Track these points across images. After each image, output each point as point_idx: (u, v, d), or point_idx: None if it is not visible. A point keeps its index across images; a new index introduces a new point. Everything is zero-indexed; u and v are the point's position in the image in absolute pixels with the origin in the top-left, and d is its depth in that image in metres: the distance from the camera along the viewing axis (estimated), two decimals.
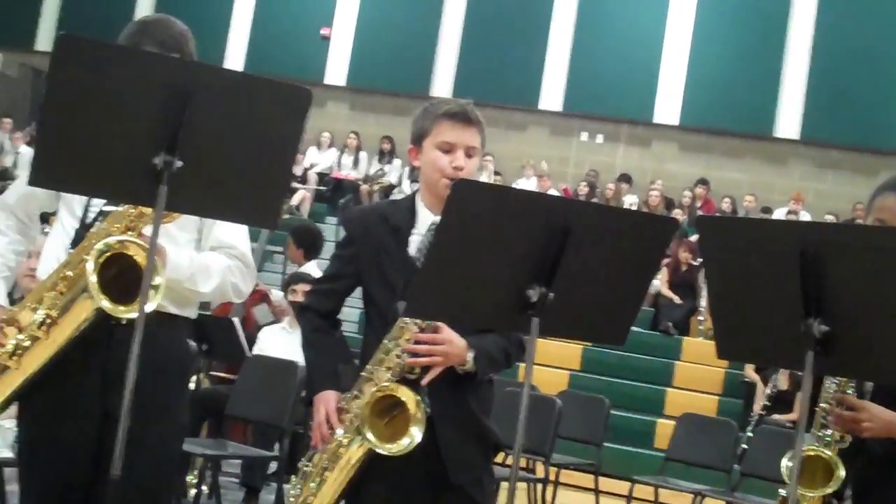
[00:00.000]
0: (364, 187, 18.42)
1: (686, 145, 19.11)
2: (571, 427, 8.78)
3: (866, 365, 2.87)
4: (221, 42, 20.35)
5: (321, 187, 18.81)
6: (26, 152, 18.23)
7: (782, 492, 3.15)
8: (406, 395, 3.46)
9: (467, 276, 3.07)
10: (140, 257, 3.28)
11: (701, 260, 14.31)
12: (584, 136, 19.53)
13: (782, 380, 11.17)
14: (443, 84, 19.58)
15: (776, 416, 11.01)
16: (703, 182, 17.97)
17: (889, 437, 3.17)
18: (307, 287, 8.11)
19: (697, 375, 13.41)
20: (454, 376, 3.55)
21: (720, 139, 18.87)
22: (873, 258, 2.72)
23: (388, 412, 3.52)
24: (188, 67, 3.12)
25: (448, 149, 3.64)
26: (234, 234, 3.67)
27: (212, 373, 9.04)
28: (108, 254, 3.28)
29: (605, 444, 9.40)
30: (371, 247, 3.70)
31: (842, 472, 3.16)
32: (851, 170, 18.00)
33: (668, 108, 18.96)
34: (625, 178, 18.40)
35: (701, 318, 14.39)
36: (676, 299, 14.54)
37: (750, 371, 12.83)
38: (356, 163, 19.13)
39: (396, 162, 18.89)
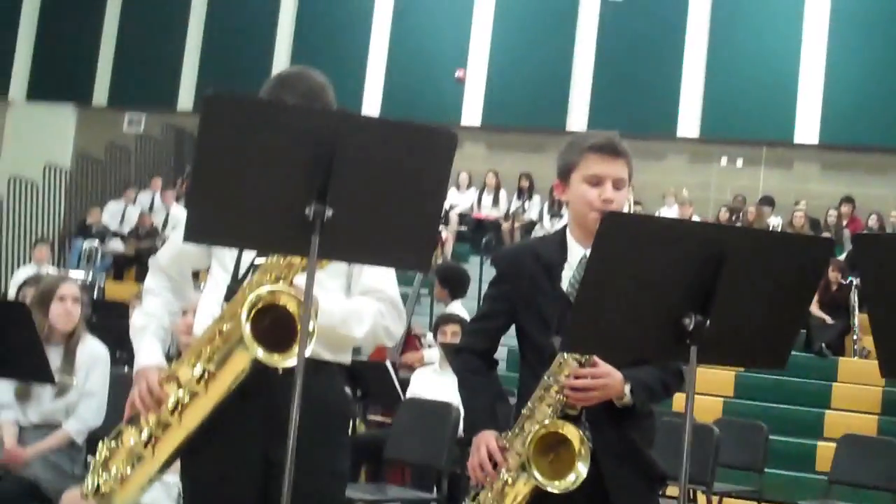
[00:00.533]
0: (505, 225, 18.46)
1: (828, 164, 18.76)
2: (730, 454, 8.65)
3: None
4: (358, 89, 20.61)
5: (462, 227, 18.90)
6: (177, 211, 18.68)
7: None
8: (570, 431, 3.46)
9: (621, 308, 3.06)
10: (292, 306, 3.33)
11: (851, 279, 14.08)
12: (724, 160, 19.30)
13: None
14: (578, 118, 19.55)
15: None
16: (848, 200, 17.61)
17: None
18: (456, 328, 8.19)
19: (855, 395, 13.10)
20: (614, 409, 3.53)
21: (862, 155, 18.45)
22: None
23: (552, 449, 3.52)
24: (333, 117, 3.15)
25: (596, 182, 3.64)
26: (383, 279, 3.70)
27: (369, 417, 9.12)
28: (259, 305, 3.34)
29: (767, 470, 9.23)
30: (524, 284, 3.71)
31: None
32: None
33: (807, 127, 18.62)
34: (767, 200, 18.10)
35: (855, 337, 14.11)
36: (829, 319, 14.26)
37: None
38: (496, 201, 19.18)
39: (536, 198, 18.91)
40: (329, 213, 2.95)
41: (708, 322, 3.02)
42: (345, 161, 2.95)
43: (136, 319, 3.78)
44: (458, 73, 20.46)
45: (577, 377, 3.47)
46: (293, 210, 2.95)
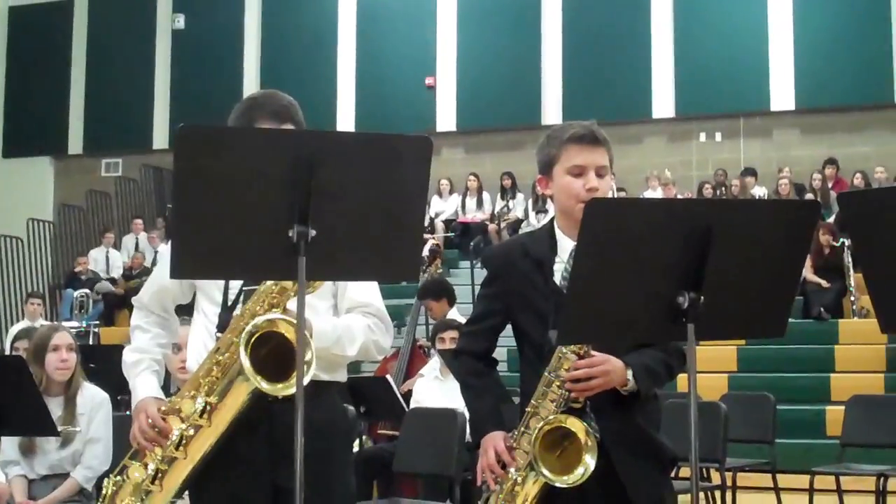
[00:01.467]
0: (492, 226, 18.44)
1: (807, 128, 18.80)
2: (740, 429, 8.62)
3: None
4: (331, 106, 20.63)
5: (449, 234, 18.87)
6: (165, 250, 18.58)
7: None
8: (574, 424, 3.45)
9: (613, 294, 3.05)
10: (290, 333, 3.31)
11: (843, 240, 14.10)
12: (703, 136, 19.32)
13: None
14: (553, 111, 19.54)
15: None
16: (831, 162, 17.66)
17: None
18: (454, 333, 8.16)
19: (859, 356, 13.11)
20: (618, 397, 3.52)
21: (841, 115, 18.50)
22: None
23: (559, 444, 3.50)
24: (306, 137, 3.15)
25: (579, 172, 3.63)
26: (368, 293, 3.69)
27: (380, 431, 9.08)
28: (257, 334, 3.33)
29: (778, 441, 9.21)
30: (516, 281, 3.70)
31: None
32: None
33: (782, 93, 18.64)
34: (750, 171, 18.13)
35: (853, 298, 14.12)
36: (824, 283, 14.28)
37: None
38: (479, 204, 19.17)
39: (519, 196, 18.91)
40: (312, 233, 2.93)
41: (702, 298, 3.01)
42: (323, 179, 2.92)
43: (128, 356, 3.78)
44: (428, 81, 20.47)
45: (575, 369, 3.46)
46: (277, 234, 2.93)
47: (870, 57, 18.05)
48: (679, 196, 16.69)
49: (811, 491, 8.49)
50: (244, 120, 3.62)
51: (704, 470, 8.52)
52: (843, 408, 9.17)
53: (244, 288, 3.56)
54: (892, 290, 2.97)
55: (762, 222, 3.10)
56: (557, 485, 3.44)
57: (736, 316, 3.16)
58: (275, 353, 3.35)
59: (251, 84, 21.10)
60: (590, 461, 3.41)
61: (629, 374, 3.50)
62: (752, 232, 3.05)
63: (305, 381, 3.09)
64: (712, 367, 12.73)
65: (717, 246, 2.99)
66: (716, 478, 8.31)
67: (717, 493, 8.26)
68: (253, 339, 3.32)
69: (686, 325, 3.03)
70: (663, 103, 19.25)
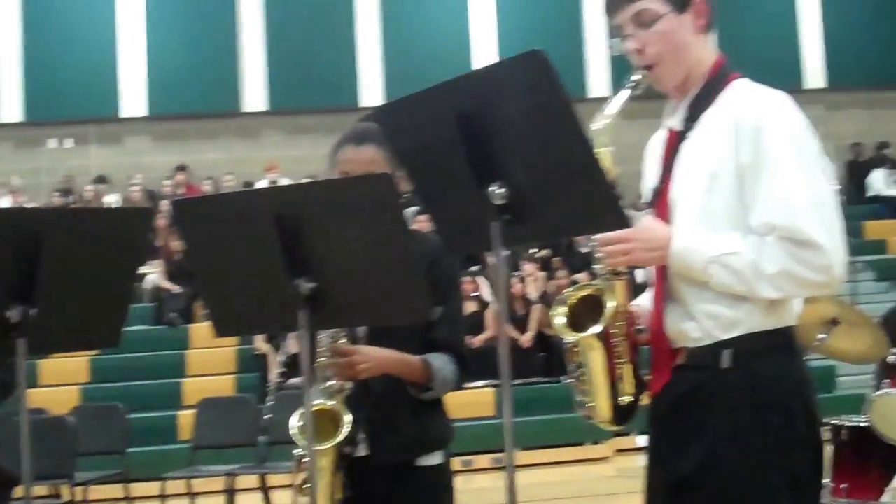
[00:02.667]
0: None
1: (159, 135, 18.96)
2: (92, 441, 8.51)
3: (352, 312, 2.95)
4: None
5: None
6: None
7: (297, 451, 3.17)
8: None
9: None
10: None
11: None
12: (53, 142, 18.88)
13: (292, 344, 11.31)
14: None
15: (293, 381, 11.12)
16: (181, 168, 17.90)
17: (385, 372, 3.27)
18: None
19: (210, 359, 13.41)
20: None
21: (192, 122, 18.86)
22: (339, 210, 2.78)
23: None
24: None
25: None
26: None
27: None
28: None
29: (131, 450, 9.19)
30: None
31: (348, 417, 3.22)
32: (323, 132, 18.37)
33: (133, 100, 18.69)
34: (101, 178, 17.99)
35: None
36: (176, 289, 14.44)
37: (260, 342, 12.96)
38: None
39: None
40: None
41: (36, 311, 2.89)
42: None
43: None
44: None
45: None
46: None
47: (218, 66, 18.69)
48: (28, 205, 16.21)
49: (163, 497, 8.54)
50: None
51: (54, 487, 8.32)
52: (194, 412, 9.31)
53: None
54: (221, 295, 3.01)
55: (92, 230, 3.02)
56: None
57: (69, 328, 3.05)
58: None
59: None
60: None
61: None
62: (83, 240, 2.97)
63: None
64: (63, 380, 12.48)
65: (48, 255, 2.88)
66: (66, 493, 8.12)
67: None
68: None
69: (17, 340, 2.89)
70: (10, 108, 18.62)
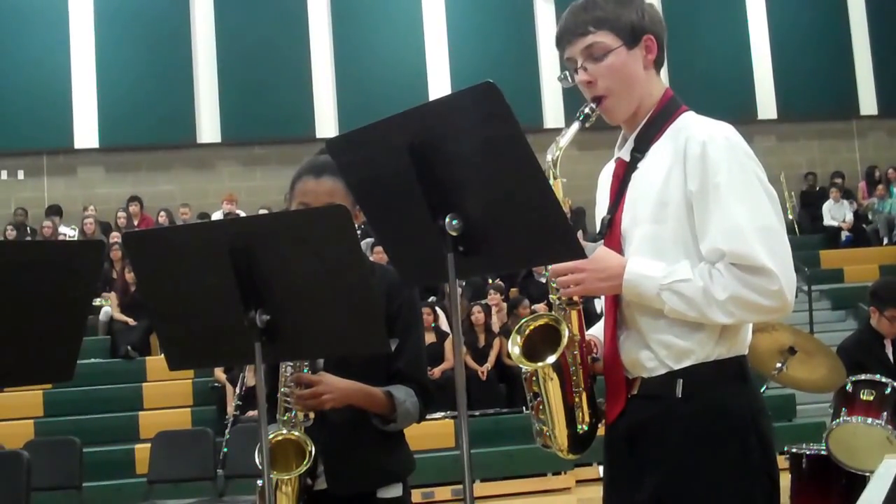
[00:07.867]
0: None
1: (112, 166, 18.83)
2: (47, 476, 8.38)
3: (308, 343, 2.93)
4: None
5: None
6: None
7: (259, 482, 3.15)
8: None
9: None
10: None
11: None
12: (4, 174, 18.70)
13: (250, 376, 11.24)
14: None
15: (251, 413, 11.04)
16: (134, 199, 17.82)
17: (347, 403, 3.26)
18: None
19: (167, 392, 13.29)
20: None
21: (145, 154, 18.77)
22: (295, 241, 2.77)
23: None
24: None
25: None
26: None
27: None
28: None
29: (87, 484, 9.09)
30: None
31: (312, 448, 3.21)
32: (278, 163, 18.44)
33: (86, 131, 18.54)
34: (55, 209, 17.87)
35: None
36: (131, 322, 14.34)
37: (218, 374, 12.89)
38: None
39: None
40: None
41: None
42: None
43: None
44: None
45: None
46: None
47: (171, 97, 18.55)
48: None
49: None
50: None
51: None
52: (150, 445, 9.24)
53: None
54: (175, 328, 2.99)
55: (41, 264, 2.98)
56: None
57: (19, 362, 3.01)
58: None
59: None
60: None
61: None
62: (32, 274, 2.93)
63: None
64: (17, 414, 12.36)
65: None
66: None
67: None
68: None
69: None
70: None
